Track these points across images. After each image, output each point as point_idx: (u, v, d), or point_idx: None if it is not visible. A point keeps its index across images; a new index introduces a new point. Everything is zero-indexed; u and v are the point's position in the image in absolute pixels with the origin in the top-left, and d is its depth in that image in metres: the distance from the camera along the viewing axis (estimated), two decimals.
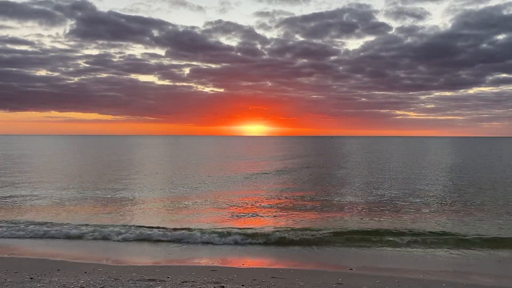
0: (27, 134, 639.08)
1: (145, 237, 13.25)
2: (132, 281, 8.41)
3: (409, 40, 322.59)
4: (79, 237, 13.34)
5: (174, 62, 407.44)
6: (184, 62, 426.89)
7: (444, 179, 29.54)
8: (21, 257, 11.13)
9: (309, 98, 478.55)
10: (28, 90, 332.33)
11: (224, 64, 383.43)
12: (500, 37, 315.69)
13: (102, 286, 7.93)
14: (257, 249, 12.27)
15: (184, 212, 17.36)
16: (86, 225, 14.52)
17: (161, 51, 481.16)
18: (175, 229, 13.88)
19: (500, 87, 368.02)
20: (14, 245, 12.47)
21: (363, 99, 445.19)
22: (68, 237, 13.39)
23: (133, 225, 14.48)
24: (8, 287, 7.70)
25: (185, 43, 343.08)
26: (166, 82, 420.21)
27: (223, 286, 8.11)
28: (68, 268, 9.76)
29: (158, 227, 14.10)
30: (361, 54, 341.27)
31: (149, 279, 8.57)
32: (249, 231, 13.58)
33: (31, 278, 8.48)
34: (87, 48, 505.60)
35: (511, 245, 12.41)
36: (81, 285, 7.92)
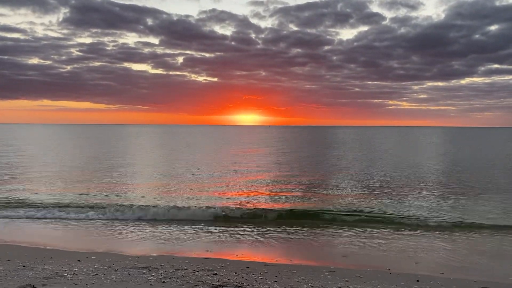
0: (18, 123, 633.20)
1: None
2: (125, 268, 8.42)
3: (402, 30, 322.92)
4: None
5: (168, 51, 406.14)
6: (178, 51, 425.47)
7: (436, 167, 29.73)
8: (14, 244, 11.10)
9: (303, 88, 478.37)
10: (20, 79, 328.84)
11: (218, 53, 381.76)
12: (493, 28, 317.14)
13: (95, 274, 7.93)
14: (250, 237, 12.32)
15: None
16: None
17: (154, 40, 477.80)
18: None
19: (492, 77, 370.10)
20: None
21: (356, 89, 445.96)
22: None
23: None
24: (1, 275, 7.67)
25: (179, 32, 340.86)
26: (159, 71, 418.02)
27: (216, 274, 8.14)
28: (61, 256, 9.74)
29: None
30: (355, 44, 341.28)
31: (142, 267, 8.59)
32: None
33: (24, 266, 8.45)
34: (80, 37, 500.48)
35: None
36: (74, 273, 7.91)
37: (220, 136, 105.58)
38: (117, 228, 13.28)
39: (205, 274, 8.07)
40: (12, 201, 17.00)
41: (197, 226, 13.39)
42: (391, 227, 13.29)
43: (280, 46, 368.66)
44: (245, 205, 15.87)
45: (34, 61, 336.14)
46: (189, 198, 17.75)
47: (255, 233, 12.66)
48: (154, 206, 15.44)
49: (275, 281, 7.75)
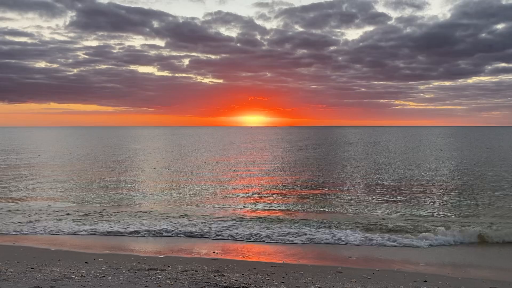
0: (26, 126, 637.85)
1: None
2: (132, 270, 8.44)
3: (408, 30, 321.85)
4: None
5: (174, 53, 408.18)
6: (184, 53, 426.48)
7: (446, 168, 29.54)
8: (22, 246, 11.17)
9: (309, 89, 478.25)
10: (27, 82, 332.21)
11: (223, 55, 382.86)
12: (499, 26, 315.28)
13: (103, 275, 7.95)
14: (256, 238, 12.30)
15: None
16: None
17: (160, 42, 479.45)
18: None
19: (499, 76, 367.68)
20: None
21: (362, 89, 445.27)
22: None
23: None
24: (9, 277, 7.71)
25: (185, 34, 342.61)
26: (165, 73, 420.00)
27: (223, 275, 8.13)
28: (69, 258, 9.80)
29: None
30: (361, 44, 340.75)
31: (150, 269, 8.60)
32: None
33: (32, 268, 8.50)
34: (86, 40, 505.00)
35: None
36: (81, 275, 7.94)
37: (253, 138, 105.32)
38: None
39: (212, 276, 8.06)
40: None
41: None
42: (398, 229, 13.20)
43: (285, 47, 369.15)
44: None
45: (41, 64, 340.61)
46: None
47: None
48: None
49: (282, 282, 7.73)
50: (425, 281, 8.26)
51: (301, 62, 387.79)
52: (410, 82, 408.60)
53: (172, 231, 12.76)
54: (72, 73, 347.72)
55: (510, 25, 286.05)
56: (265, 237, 12.12)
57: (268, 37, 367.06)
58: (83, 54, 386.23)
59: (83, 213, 15.19)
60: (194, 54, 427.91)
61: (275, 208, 16.02)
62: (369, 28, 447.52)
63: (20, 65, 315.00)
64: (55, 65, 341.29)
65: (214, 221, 13.77)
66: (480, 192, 19.36)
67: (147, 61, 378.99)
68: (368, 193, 19.24)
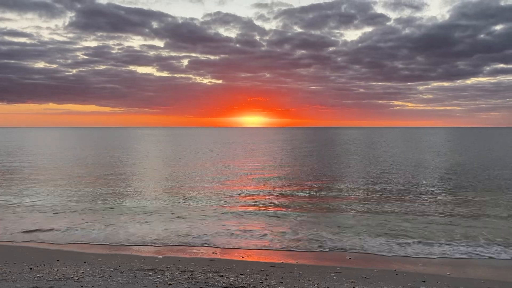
0: (25, 127, 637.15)
1: None
2: (131, 270, 8.43)
3: (407, 31, 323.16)
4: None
5: (173, 54, 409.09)
6: (183, 54, 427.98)
7: (447, 170, 29.57)
8: (20, 246, 11.14)
9: (308, 89, 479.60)
10: (26, 82, 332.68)
11: (222, 56, 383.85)
12: (498, 27, 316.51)
13: (101, 276, 7.94)
14: (256, 239, 12.28)
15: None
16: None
17: (160, 43, 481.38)
18: None
19: (498, 77, 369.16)
20: None
21: (361, 90, 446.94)
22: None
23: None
24: (8, 277, 7.69)
25: (184, 34, 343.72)
26: (164, 74, 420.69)
27: (222, 275, 8.12)
28: (68, 258, 9.78)
29: None
30: (359, 45, 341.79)
31: (148, 269, 8.59)
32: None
33: (31, 269, 8.48)
34: (86, 40, 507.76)
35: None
36: (80, 275, 7.93)
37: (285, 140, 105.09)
38: None
39: (211, 276, 8.05)
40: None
41: None
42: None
43: (284, 48, 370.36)
44: None
45: (40, 65, 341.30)
46: None
47: None
48: None
49: (281, 283, 7.72)
50: (424, 281, 8.25)
51: (300, 62, 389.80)
52: (409, 83, 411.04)
53: (170, 240, 11.82)
54: (71, 73, 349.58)
55: (508, 26, 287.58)
56: (275, 244, 11.47)
57: (267, 37, 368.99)
58: (82, 54, 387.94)
59: (80, 217, 15.13)
60: (193, 54, 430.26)
61: (280, 213, 16.00)
62: (368, 29, 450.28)
63: (19, 66, 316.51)
64: (54, 66, 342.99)
65: (215, 225, 13.62)
66: (482, 193, 19.38)
67: (146, 61, 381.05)
68: (381, 199, 19.22)
